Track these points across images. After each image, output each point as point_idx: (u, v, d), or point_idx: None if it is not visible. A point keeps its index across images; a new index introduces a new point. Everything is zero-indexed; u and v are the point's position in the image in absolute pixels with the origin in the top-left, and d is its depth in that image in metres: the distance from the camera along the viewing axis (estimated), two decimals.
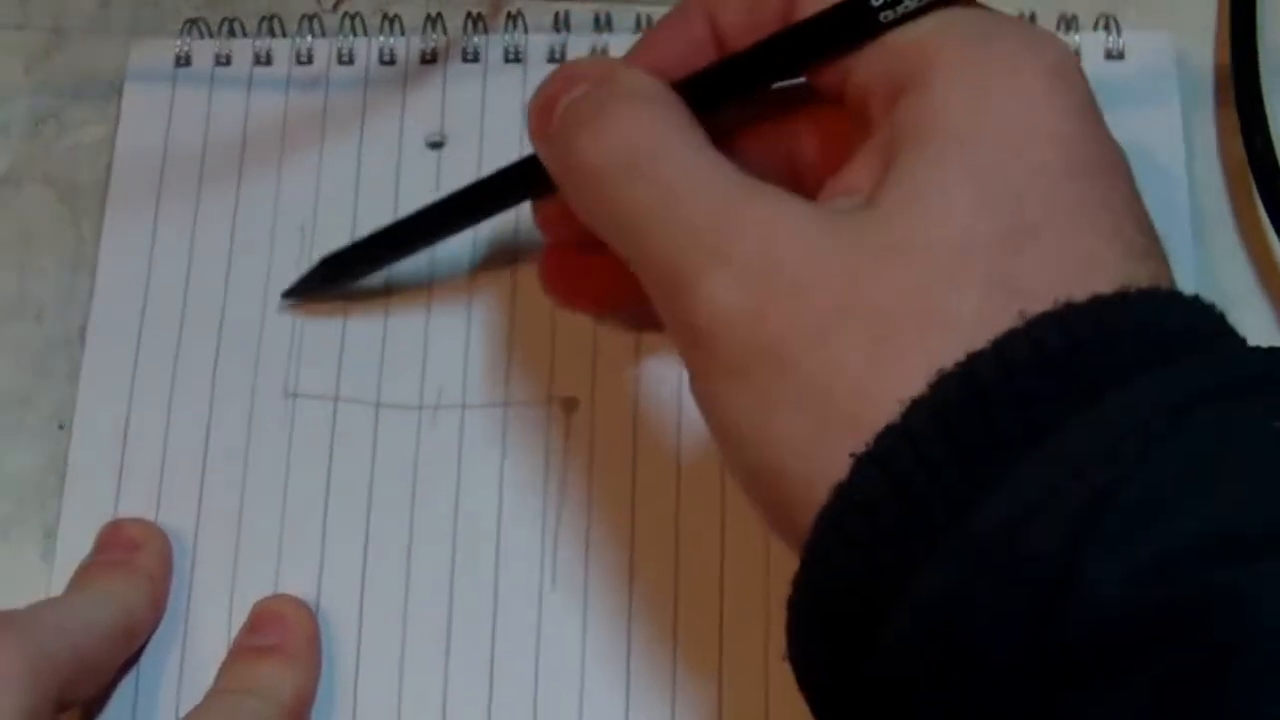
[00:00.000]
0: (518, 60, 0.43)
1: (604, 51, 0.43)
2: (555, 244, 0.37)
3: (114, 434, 0.40)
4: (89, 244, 0.42)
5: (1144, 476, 0.24)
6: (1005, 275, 0.27)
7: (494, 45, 0.43)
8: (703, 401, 0.30)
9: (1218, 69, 0.42)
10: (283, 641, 0.37)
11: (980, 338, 0.26)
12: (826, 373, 0.27)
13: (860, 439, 0.26)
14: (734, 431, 0.29)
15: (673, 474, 0.39)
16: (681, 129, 0.30)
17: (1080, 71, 0.30)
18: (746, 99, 0.33)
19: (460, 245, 0.41)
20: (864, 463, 0.26)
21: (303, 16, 0.43)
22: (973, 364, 0.26)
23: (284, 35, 0.44)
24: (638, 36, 0.42)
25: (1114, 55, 0.41)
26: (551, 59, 0.43)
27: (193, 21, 0.44)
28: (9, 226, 0.43)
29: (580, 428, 0.39)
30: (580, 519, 0.38)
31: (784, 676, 0.36)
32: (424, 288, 0.41)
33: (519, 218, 0.41)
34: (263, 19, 0.44)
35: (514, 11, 0.43)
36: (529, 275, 0.41)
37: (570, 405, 0.40)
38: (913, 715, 0.26)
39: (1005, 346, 0.26)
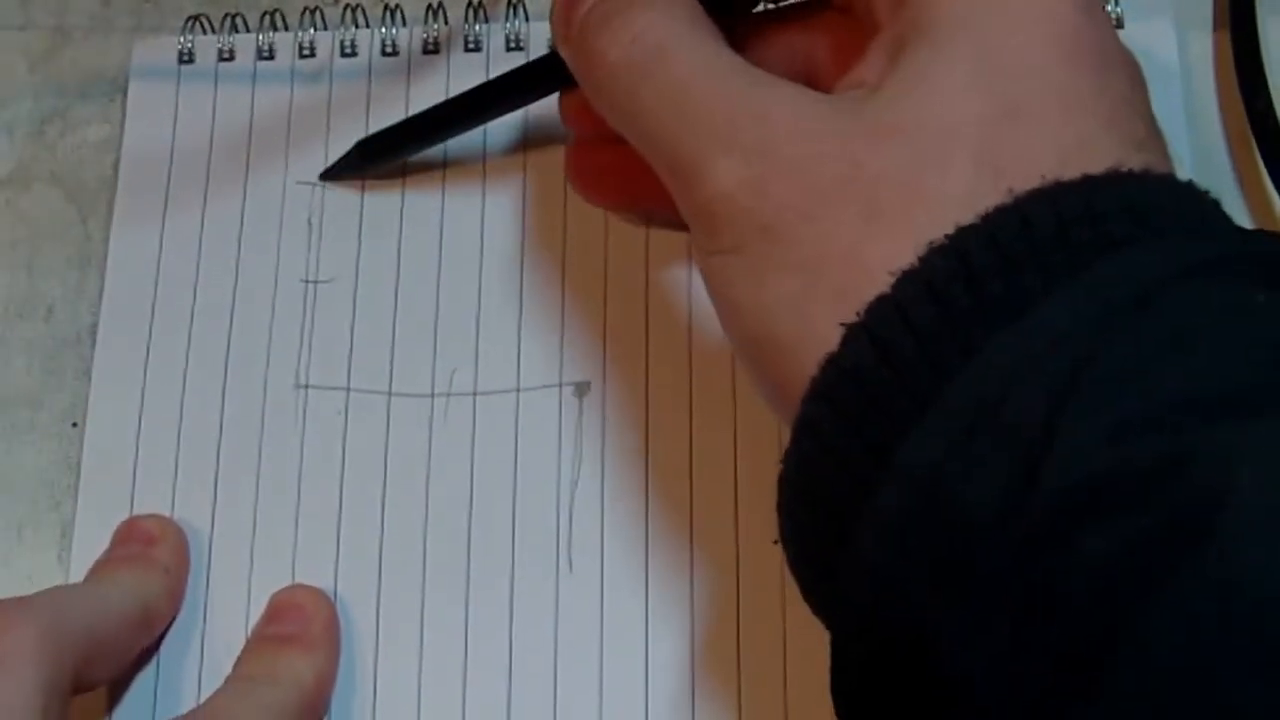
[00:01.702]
0: (520, 48, 0.43)
1: None
2: (580, 138, 0.39)
3: (127, 431, 0.40)
4: (97, 242, 0.42)
5: (1124, 345, 0.25)
6: (995, 154, 0.28)
7: (495, 34, 0.43)
8: (707, 277, 0.31)
9: (1216, 37, 0.42)
10: (302, 630, 0.37)
11: (969, 213, 0.27)
12: (818, 243, 0.28)
13: (849, 308, 0.27)
14: (732, 301, 0.30)
15: (685, 454, 0.39)
16: (694, 28, 0.32)
17: None
18: (760, 6, 0.35)
19: (470, 228, 0.41)
20: (853, 332, 0.27)
21: (304, 10, 0.44)
22: (960, 237, 0.27)
23: (286, 29, 0.44)
24: None
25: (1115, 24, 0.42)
26: (553, 46, 0.43)
27: (195, 18, 0.44)
28: (17, 227, 0.43)
29: (592, 411, 0.39)
30: (595, 501, 0.39)
31: (801, 655, 0.37)
32: (432, 275, 0.41)
33: (524, 201, 0.41)
34: (264, 14, 0.44)
35: (514, 0, 0.43)
36: (537, 261, 0.41)
37: (582, 389, 0.40)
38: (900, 586, 0.26)
39: (993, 221, 0.27)
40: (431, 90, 0.43)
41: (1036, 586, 0.24)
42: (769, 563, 0.38)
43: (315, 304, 0.41)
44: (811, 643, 0.37)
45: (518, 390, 0.40)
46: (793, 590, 0.37)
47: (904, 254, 0.27)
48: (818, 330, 0.28)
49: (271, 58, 0.43)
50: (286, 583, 0.38)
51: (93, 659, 0.35)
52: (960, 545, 0.25)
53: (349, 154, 0.42)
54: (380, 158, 0.42)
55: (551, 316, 0.40)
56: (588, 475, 0.39)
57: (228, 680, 0.36)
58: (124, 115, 0.43)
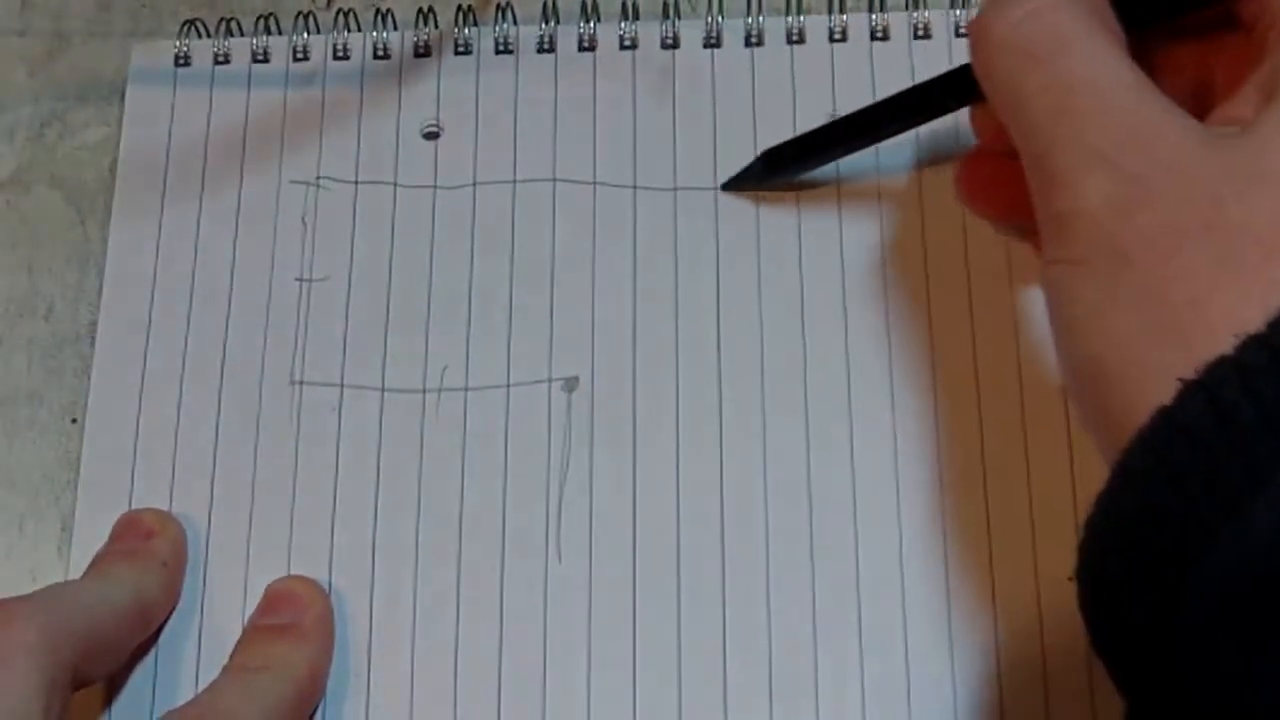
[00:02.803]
0: (508, 51, 0.44)
1: (592, 40, 0.43)
2: (981, 149, 0.38)
3: (126, 427, 0.40)
4: (95, 243, 0.43)
5: None
6: None
7: (485, 37, 0.44)
8: (1049, 288, 0.30)
9: None
10: (296, 620, 0.38)
11: None
12: (1168, 282, 0.28)
13: (1183, 358, 0.27)
14: (1071, 320, 0.29)
15: (672, 448, 0.39)
16: (1095, 28, 0.31)
17: None
18: (1170, 20, 0.34)
19: (461, 226, 0.42)
20: (1192, 390, 0.26)
21: (298, 14, 0.44)
22: None
23: (280, 33, 0.44)
24: (625, 25, 0.43)
25: None
26: (541, 49, 0.44)
27: (191, 22, 0.44)
28: (17, 228, 0.43)
29: (581, 406, 0.40)
30: (583, 494, 0.39)
31: (782, 634, 0.37)
32: (424, 273, 0.41)
33: (512, 198, 0.41)
34: (259, 18, 0.44)
35: (503, 4, 0.44)
36: (527, 257, 0.41)
37: (571, 384, 0.40)
38: (1205, 658, 0.25)
39: None
40: (423, 92, 0.43)
41: None
42: (754, 554, 0.38)
43: (310, 302, 0.41)
44: (753, 625, 0.38)
45: (508, 385, 0.40)
46: (777, 578, 0.38)
47: (1252, 312, 0.26)
48: (1151, 374, 0.27)
49: (266, 61, 0.44)
50: (282, 573, 0.39)
51: (93, 654, 0.35)
52: None
53: (754, 164, 0.42)
54: (783, 169, 0.41)
55: (541, 313, 0.41)
56: (576, 468, 0.39)
57: (223, 670, 0.37)
58: (122, 118, 0.44)
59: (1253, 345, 0.26)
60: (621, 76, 0.43)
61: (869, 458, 0.39)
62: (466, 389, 0.40)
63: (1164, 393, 0.27)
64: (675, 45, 0.43)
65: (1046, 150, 0.30)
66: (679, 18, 0.43)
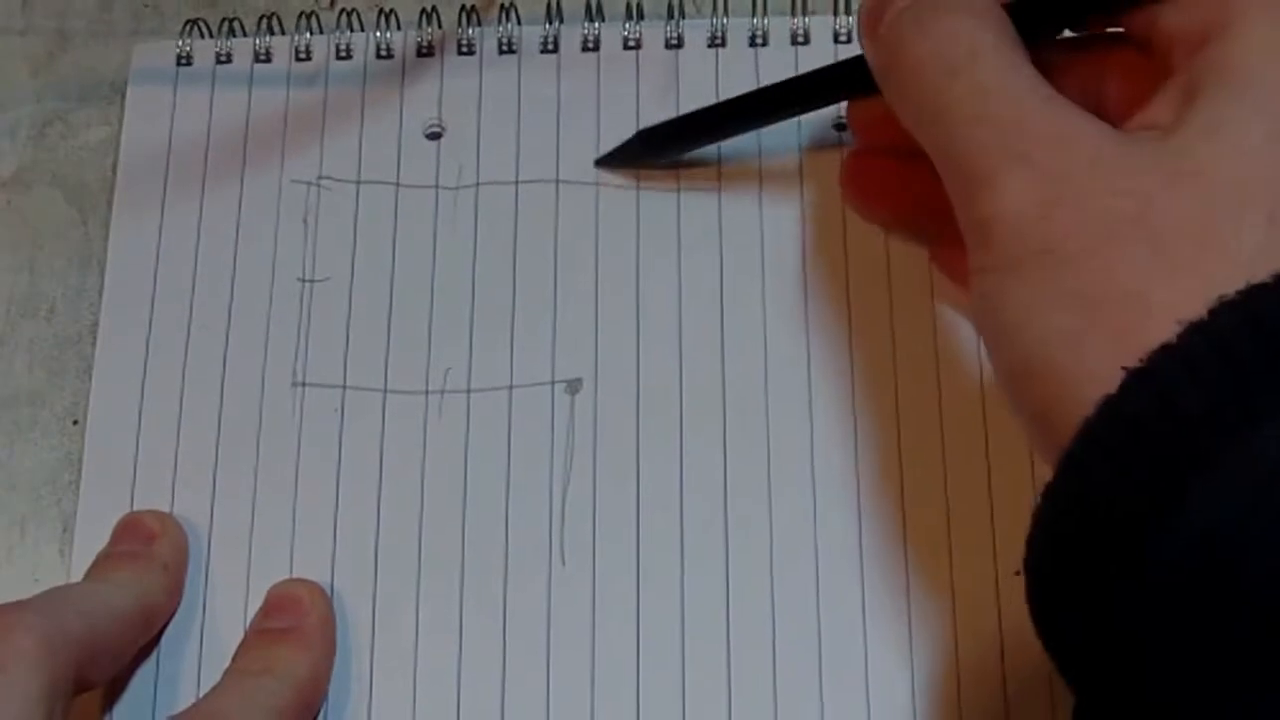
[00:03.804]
0: (511, 51, 0.44)
1: (596, 41, 0.43)
2: (863, 148, 0.39)
3: (128, 428, 0.40)
4: (97, 242, 0.43)
5: None
6: None
7: (488, 37, 0.44)
8: (979, 297, 0.31)
9: None
10: (298, 623, 0.38)
11: (1261, 270, 0.27)
12: (1102, 277, 0.28)
13: (1129, 351, 0.27)
14: (1004, 325, 0.30)
15: (675, 449, 0.39)
16: (1003, 40, 0.32)
17: None
18: (1063, 34, 0.35)
19: (464, 226, 0.42)
20: (1136, 379, 0.27)
21: (301, 14, 0.44)
22: (1254, 296, 0.27)
23: (283, 33, 0.44)
24: (630, 25, 0.43)
25: None
26: (544, 49, 0.43)
27: (193, 22, 0.44)
28: (19, 227, 0.43)
29: (584, 407, 0.40)
30: (586, 496, 0.39)
31: (790, 638, 0.37)
32: (426, 273, 0.41)
33: (515, 199, 0.41)
34: (261, 17, 0.44)
35: (506, 4, 0.44)
36: (530, 258, 0.41)
37: (574, 386, 0.40)
38: (1151, 645, 0.26)
39: None
40: (426, 92, 0.43)
41: None
42: (759, 553, 0.38)
43: (311, 303, 0.41)
44: (758, 625, 0.38)
45: (510, 387, 0.40)
46: (780, 580, 0.38)
47: (1192, 303, 0.27)
48: (1091, 368, 0.27)
49: (268, 60, 0.44)
50: (284, 576, 0.39)
51: (94, 659, 0.35)
52: (1228, 617, 0.25)
53: (628, 142, 0.42)
54: (658, 150, 0.42)
55: (543, 315, 0.41)
56: (579, 470, 0.39)
57: (224, 675, 0.37)
58: (123, 117, 0.44)
59: (1194, 332, 0.26)
60: (625, 77, 0.43)
61: (869, 453, 0.39)
62: (469, 391, 0.40)
63: (1106, 385, 0.27)
64: (680, 45, 0.43)
65: (966, 155, 0.31)
66: (684, 18, 0.43)
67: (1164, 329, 0.27)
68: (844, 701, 0.37)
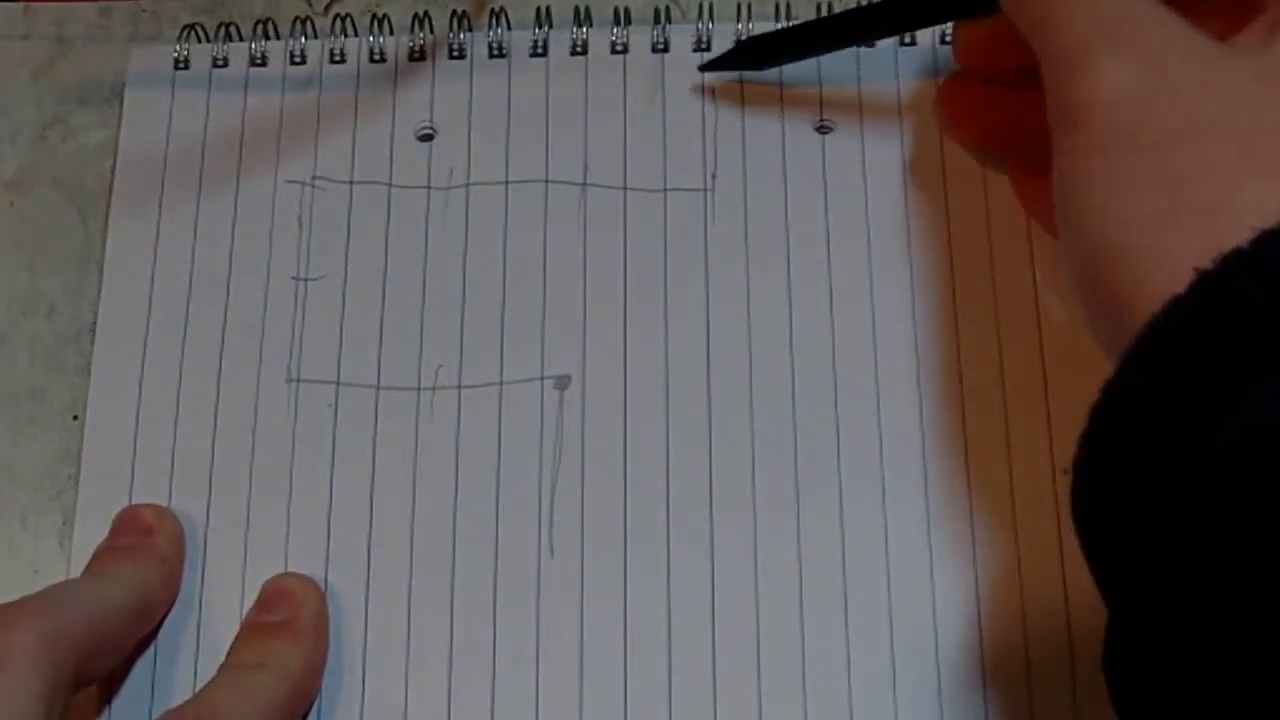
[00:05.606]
0: (502, 55, 0.44)
1: (584, 45, 0.44)
2: (962, 72, 0.39)
3: (126, 424, 0.41)
4: (96, 243, 0.43)
5: None
6: None
7: (479, 42, 0.44)
8: (1062, 178, 0.31)
9: None
10: (292, 617, 0.38)
11: None
12: (1191, 166, 0.28)
13: (1210, 241, 0.27)
14: (1086, 206, 0.30)
15: (662, 444, 0.40)
16: None
17: None
18: None
19: (455, 226, 0.42)
20: (1206, 280, 0.27)
21: (295, 19, 0.45)
22: None
23: (278, 37, 0.45)
24: (617, 30, 0.44)
25: None
26: (534, 54, 0.44)
27: (190, 27, 0.45)
28: (20, 228, 0.44)
29: (572, 403, 0.40)
30: (575, 489, 0.40)
31: (775, 646, 0.38)
32: (418, 272, 0.42)
33: (505, 200, 0.42)
34: (257, 22, 0.45)
35: (497, 9, 0.44)
36: (520, 257, 0.42)
37: (563, 382, 0.41)
38: (1191, 543, 0.25)
39: None
40: (418, 95, 0.44)
41: None
42: (743, 548, 0.39)
43: (306, 301, 0.42)
44: (743, 618, 0.38)
45: (501, 384, 0.41)
46: (765, 584, 0.38)
47: (1274, 202, 0.27)
48: (1174, 253, 0.28)
49: (264, 65, 0.44)
50: (279, 570, 0.39)
51: (93, 654, 0.35)
52: None
53: (733, 50, 0.42)
54: (760, 58, 0.42)
55: (533, 312, 0.41)
56: (568, 464, 0.40)
57: (220, 669, 0.37)
58: (121, 120, 0.44)
59: (1269, 240, 0.27)
60: (613, 80, 0.44)
61: (855, 450, 0.40)
62: (460, 387, 0.41)
63: (1178, 280, 0.27)
64: (666, 50, 0.44)
65: (1066, 34, 0.31)
66: (670, 23, 0.44)
67: (1244, 224, 0.27)
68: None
